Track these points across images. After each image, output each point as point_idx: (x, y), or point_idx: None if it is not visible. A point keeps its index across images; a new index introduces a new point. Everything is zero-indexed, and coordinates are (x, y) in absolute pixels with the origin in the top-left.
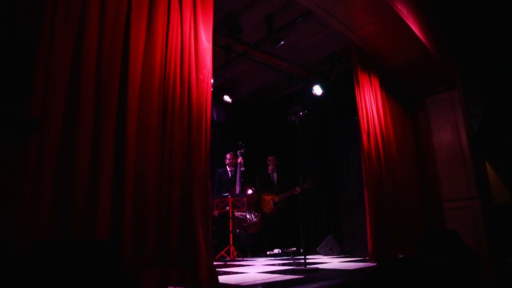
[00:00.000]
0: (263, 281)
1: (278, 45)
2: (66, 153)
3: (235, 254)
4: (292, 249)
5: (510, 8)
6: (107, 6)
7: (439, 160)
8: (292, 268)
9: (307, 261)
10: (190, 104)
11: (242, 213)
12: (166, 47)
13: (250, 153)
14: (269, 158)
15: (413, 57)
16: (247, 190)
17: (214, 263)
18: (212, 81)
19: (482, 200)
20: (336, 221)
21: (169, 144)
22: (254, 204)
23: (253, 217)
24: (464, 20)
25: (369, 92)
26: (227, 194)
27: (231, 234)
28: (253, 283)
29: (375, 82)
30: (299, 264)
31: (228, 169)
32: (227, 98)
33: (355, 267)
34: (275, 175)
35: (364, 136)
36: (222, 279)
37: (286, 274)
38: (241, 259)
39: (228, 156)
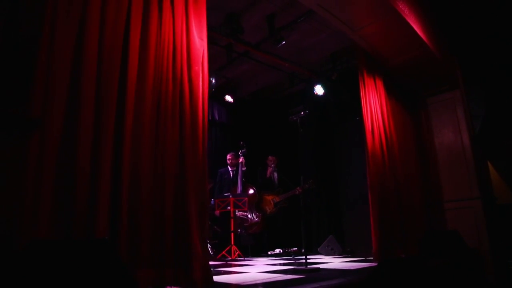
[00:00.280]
0: (264, 280)
1: (280, 45)
2: (67, 152)
3: (236, 254)
4: (293, 249)
5: None
6: (108, 6)
7: (441, 160)
8: (293, 268)
9: (308, 261)
10: (182, 101)
11: (243, 213)
12: (159, 45)
13: (252, 153)
14: (269, 158)
15: (414, 56)
16: (249, 190)
17: (215, 262)
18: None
19: (484, 201)
20: (337, 221)
21: (163, 142)
22: (255, 204)
23: (255, 217)
24: (466, 19)
25: (374, 93)
26: (228, 194)
27: (232, 234)
28: (254, 282)
29: (379, 84)
30: (300, 264)
31: (230, 169)
32: (228, 98)
33: (357, 267)
34: (275, 175)
35: (369, 137)
36: (223, 278)
37: (287, 274)
38: (242, 259)
39: (229, 156)
